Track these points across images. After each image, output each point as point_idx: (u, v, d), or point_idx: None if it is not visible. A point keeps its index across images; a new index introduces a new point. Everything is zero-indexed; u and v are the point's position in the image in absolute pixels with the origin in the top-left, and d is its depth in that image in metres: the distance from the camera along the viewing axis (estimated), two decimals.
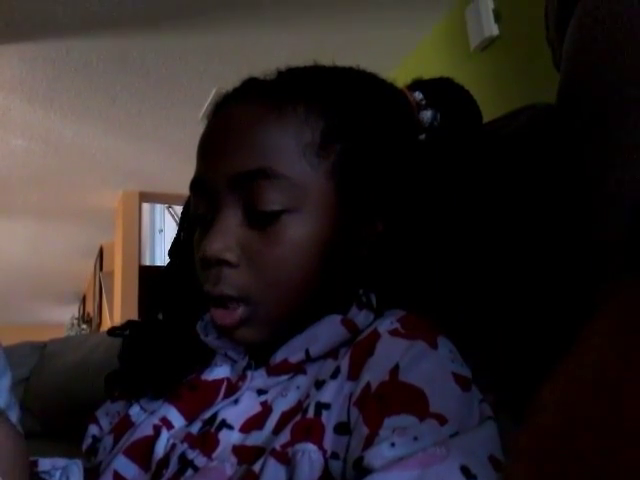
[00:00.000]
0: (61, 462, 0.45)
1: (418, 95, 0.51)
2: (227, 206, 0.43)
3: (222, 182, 0.43)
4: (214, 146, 0.45)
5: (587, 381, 0.20)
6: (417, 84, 0.53)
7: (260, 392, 0.42)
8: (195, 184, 0.46)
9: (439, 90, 0.52)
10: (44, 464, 0.45)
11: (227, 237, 0.42)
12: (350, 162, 0.44)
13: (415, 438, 0.33)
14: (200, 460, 0.39)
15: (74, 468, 0.45)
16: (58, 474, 0.44)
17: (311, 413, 0.37)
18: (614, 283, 0.24)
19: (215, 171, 0.43)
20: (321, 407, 0.37)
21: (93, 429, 0.49)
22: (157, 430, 0.42)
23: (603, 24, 0.41)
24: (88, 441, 0.49)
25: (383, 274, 0.46)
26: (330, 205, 0.43)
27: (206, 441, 0.40)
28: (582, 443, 0.19)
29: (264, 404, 0.41)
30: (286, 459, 0.36)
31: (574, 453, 0.19)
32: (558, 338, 0.35)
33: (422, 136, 0.50)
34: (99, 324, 4.67)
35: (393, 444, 0.32)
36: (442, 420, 0.34)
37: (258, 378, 0.43)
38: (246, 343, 0.44)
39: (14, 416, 0.66)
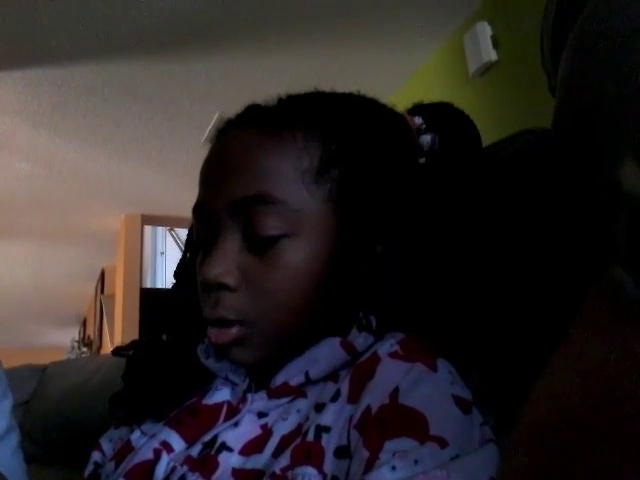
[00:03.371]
0: None
1: (418, 120, 0.52)
2: (227, 231, 0.43)
3: (222, 207, 0.43)
4: (214, 172, 0.46)
5: (574, 372, 0.21)
6: (417, 108, 0.54)
7: (260, 415, 0.42)
8: (197, 209, 0.46)
9: (439, 114, 0.53)
10: None
11: (227, 262, 0.43)
12: (349, 187, 0.44)
13: (416, 461, 0.32)
14: None
15: None
16: None
17: (311, 436, 0.37)
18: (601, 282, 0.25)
19: (215, 197, 0.44)
20: (321, 430, 0.37)
21: (96, 455, 0.49)
22: (157, 454, 0.42)
23: (597, 49, 0.41)
24: (90, 468, 0.49)
25: (383, 296, 0.46)
26: (329, 230, 0.44)
27: (206, 464, 0.40)
28: (572, 434, 0.19)
29: (264, 427, 0.41)
30: None
31: (566, 444, 0.19)
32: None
33: (422, 160, 0.51)
34: (99, 347, 4.65)
35: (394, 467, 0.32)
36: (442, 443, 0.34)
37: (258, 401, 0.43)
38: (242, 363, 0.44)
39: (14, 439, 0.65)
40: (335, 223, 0.44)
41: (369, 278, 0.45)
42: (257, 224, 0.42)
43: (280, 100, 0.48)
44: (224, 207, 0.43)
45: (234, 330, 0.43)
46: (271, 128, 0.44)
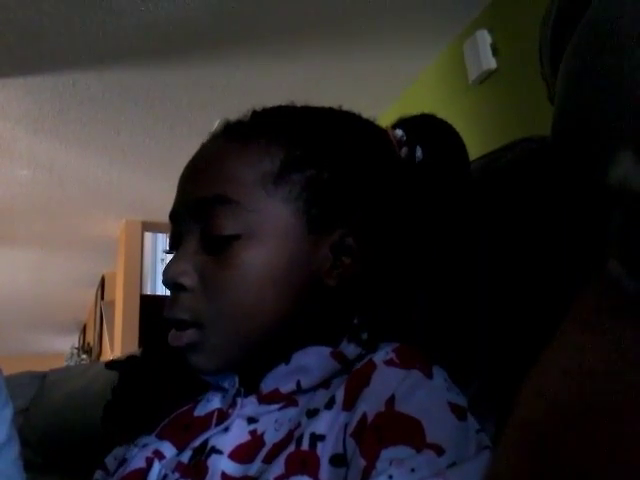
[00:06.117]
0: None
1: (399, 132, 0.51)
2: (188, 233, 0.45)
3: (185, 210, 0.46)
4: (183, 178, 0.48)
5: (566, 370, 0.21)
6: (400, 122, 0.54)
7: (250, 421, 0.42)
8: (170, 215, 0.48)
9: (421, 126, 0.53)
10: None
11: (185, 262, 0.44)
12: (313, 192, 0.44)
13: (412, 469, 0.32)
14: None
15: None
16: None
17: (306, 445, 0.37)
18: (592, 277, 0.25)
19: (182, 201, 0.47)
20: (316, 439, 0.37)
21: (98, 474, 0.49)
22: (149, 462, 0.42)
23: (595, 59, 0.42)
24: None
25: (359, 306, 0.46)
26: (289, 233, 0.44)
27: (198, 470, 0.40)
28: (563, 435, 0.19)
29: (253, 433, 0.41)
30: None
31: (556, 445, 0.19)
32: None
33: (406, 171, 0.50)
34: (99, 354, 4.64)
35: (391, 476, 0.32)
36: (439, 450, 0.34)
37: (248, 405, 0.43)
38: (201, 371, 0.45)
39: (15, 449, 0.65)
40: (298, 228, 0.44)
41: (340, 288, 0.45)
42: (213, 224, 0.43)
43: (254, 112, 0.50)
44: (187, 210, 0.45)
45: (188, 333, 0.43)
46: (237, 136, 0.46)
